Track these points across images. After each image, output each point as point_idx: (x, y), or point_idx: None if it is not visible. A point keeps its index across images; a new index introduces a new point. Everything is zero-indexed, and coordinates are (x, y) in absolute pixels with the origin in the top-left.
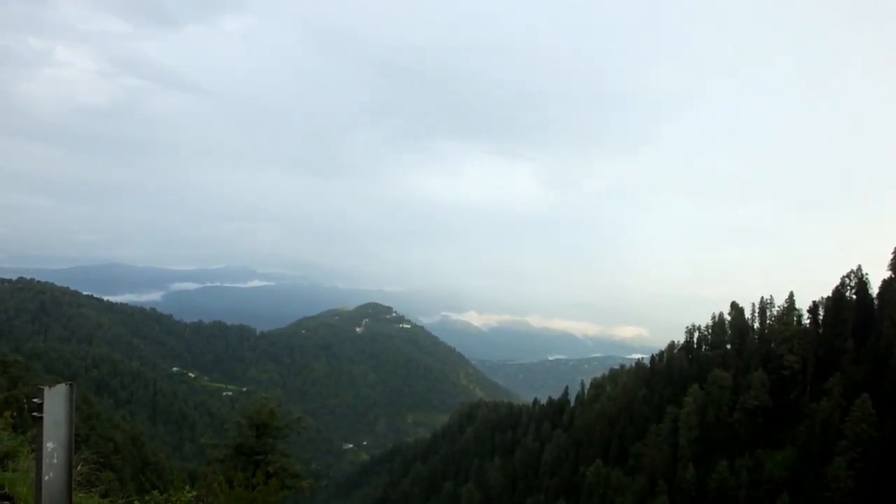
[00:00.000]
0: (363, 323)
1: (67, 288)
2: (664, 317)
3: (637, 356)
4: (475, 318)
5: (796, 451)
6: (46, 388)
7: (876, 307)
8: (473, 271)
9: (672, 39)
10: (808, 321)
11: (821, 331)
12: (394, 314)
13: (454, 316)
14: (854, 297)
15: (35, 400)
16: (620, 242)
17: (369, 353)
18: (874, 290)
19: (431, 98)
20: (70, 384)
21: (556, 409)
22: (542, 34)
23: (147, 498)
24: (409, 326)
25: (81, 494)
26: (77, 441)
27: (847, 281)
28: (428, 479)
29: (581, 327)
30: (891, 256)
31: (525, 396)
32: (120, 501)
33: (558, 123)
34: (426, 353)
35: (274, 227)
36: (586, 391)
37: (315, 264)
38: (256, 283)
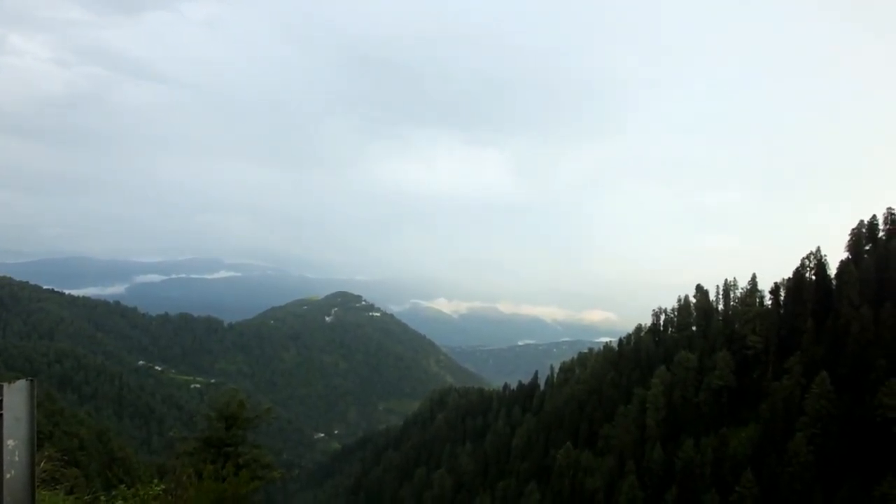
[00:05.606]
0: (333, 312)
1: (27, 282)
2: (632, 301)
3: (605, 340)
4: (445, 306)
5: (759, 428)
6: (6, 385)
7: (834, 287)
8: (443, 259)
9: (642, 27)
10: (769, 302)
11: (782, 311)
12: (363, 302)
13: (424, 303)
14: (813, 278)
15: None
16: (590, 229)
17: (339, 341)
18: (833, 271)
19: (402, 87)
20: (31, 380)
21: (527, 394)
22: (512, 23)
23: (114, 493)
24: (378, 314)
25: (45, 492)
26: (40, 438)
27: (807, 263)
28: (400, 466)
29: (550, 312)
30: (847, 238)
31: (495, 382)
32: (86, 497)
33: (530, 112)
34: (396, 340)
35: (242, 217)
36: (556, 375)
37: (284, 254)
38: (224, 273)
